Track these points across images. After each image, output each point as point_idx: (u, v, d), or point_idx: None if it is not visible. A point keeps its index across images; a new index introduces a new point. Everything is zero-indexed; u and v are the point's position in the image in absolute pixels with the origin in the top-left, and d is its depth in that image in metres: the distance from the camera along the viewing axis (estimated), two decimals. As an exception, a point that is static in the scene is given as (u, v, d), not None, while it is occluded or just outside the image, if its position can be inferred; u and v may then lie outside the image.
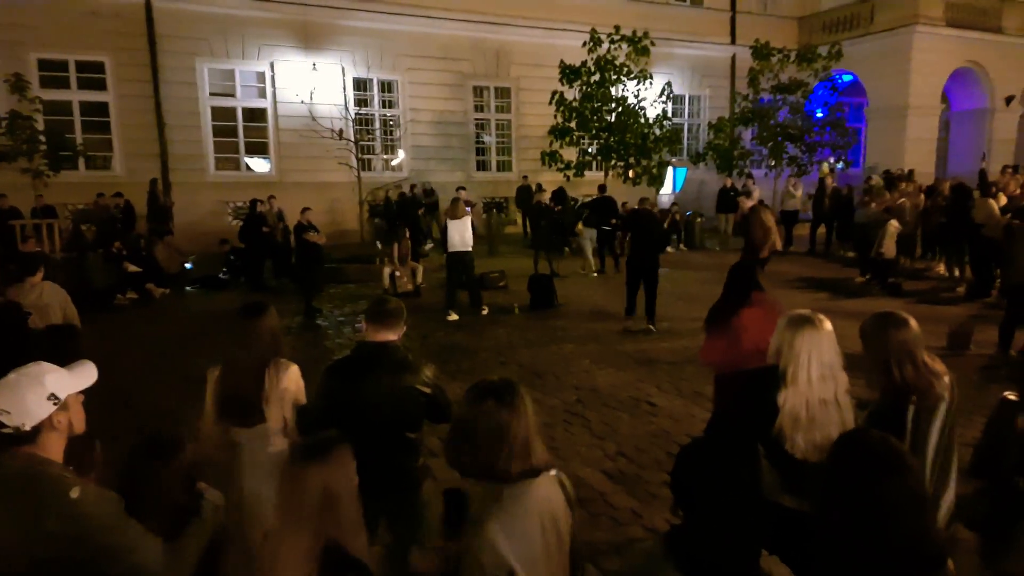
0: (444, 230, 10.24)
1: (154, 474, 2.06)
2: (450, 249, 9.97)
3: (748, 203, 9.71)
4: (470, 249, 10.04)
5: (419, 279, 11.83)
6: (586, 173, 17.25)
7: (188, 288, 12.46)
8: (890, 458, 1.66)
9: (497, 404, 1.91)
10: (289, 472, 1.78)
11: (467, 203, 13.80)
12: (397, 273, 11.74)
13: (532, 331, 9.17)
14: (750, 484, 1.61)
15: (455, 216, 9.97)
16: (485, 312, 10.09)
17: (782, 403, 2.41)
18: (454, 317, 9.81)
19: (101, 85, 15.66)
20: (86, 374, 2.03)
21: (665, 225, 15.09)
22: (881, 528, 1.59)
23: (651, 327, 8.95)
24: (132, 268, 11.68)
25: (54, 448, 1.93)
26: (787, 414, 2.40)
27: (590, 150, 17.23)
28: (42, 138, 13.62)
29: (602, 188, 15.06)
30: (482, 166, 20.29)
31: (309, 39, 17.15)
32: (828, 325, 2.47)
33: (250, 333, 3.01)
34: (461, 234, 9.93)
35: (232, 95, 17.03)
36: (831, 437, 2.33)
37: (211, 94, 16.72)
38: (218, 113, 16.87)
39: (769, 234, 9.15)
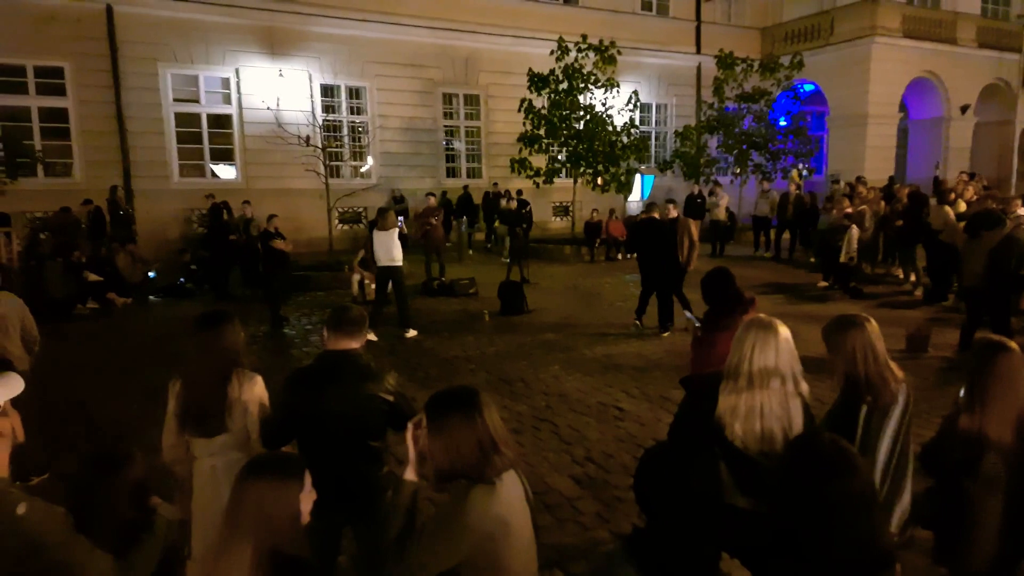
0: (369, 242, 9.39)
1: (103, 489, 2.02)
2: (378, 264, 9.30)
3: (674, 211, 9.86)
4: (399, 264, 9.30)
5: (388, 287, 11.73)
6: (555, 180, 17.39)
7: (151, 297, 12.22)
8: (838, 461, 1.69)
9: (463, 417, 1.95)
10: (234, 485, 1.81)
11: (433, 210, 13.84)
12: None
13: (502, 338, 9.17)
14: (708, 487, 1.63)
15: (383, 228, 9.24)
16: (411, 335, 9.15)
17: (721, 391, 2.48)
18: (372, 337, 8.45)
19: (60, 91, 15.32)
20: (13, 383, 1.99)
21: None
22: (829, 530, 1.63)
23: (661, 332, 9.10)
24: (93, 277, 11.42)
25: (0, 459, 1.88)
26: (724, 402, 2.48)
27: (559, 157, 17.35)
28: (-1, 144, 13.28)
29: (519, 192, 16.69)
30: (452, 173, 20.29)
31: (275, 45, 17.01)
32: (784, 331, 2.51)
33: (211, 343, 2.96)
34: (387, 248, 9.17)
35: (196, 101, 16.78)
36: (773, 431, 2.39)
37: (175, 100, 16.45)
38: (182, 119, 16.61)
39: (694, 246, 9.45)
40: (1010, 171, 23.43)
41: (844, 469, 1.67)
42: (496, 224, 17.93)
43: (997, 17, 24.75)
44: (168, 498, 2.34)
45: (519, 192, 16.63)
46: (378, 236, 9.25)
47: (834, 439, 1.78)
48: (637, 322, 9.35)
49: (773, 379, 2.44)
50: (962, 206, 11.82)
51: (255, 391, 3.02)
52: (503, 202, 17.46)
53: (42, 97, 15.25)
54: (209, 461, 2.97)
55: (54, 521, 1.86)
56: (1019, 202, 11.02)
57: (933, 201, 11.87)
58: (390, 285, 9.42)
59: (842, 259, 11.73)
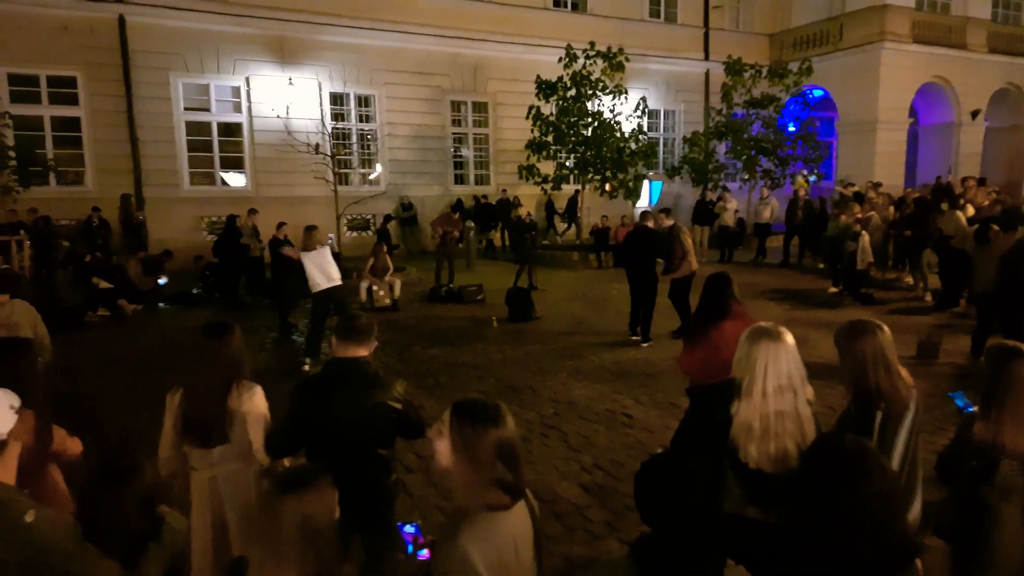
0: (299, 265, 8.47)
1: (111, 499, 2.02)
2: (313, 289, 8.21)
3: (668, 220, 9.81)
4: (338, 283, 8.36)
5: (396, 293, 11.78)
6: (563, 186, 17.41)
7: (161, 305, 12.28)
8: (862, 460, 1.69)
9: (497, 429, 1.88)
10: (266, 504, 1.76)
11: (453, 220, 13.94)
12: (374, 287, 11.68)
13: (510, 344, 9.15)
14: (707, 497, 1.63)
15: (309, 248, 8.30)
16: (306, 368, 7.99)
17: (735, 413, 2.43)
18: (307, 367, 8.00)
19: (73, 100, 15.47)
20: (11, 394, 2.00)
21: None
22: (853, 528, 1.63)
23: (642, 342, 9.03)
24: (103, 284, 11.48)
25: (10, 464, 1.89)
26: (739, 424, 2.43)
27: (567, 164, 17.37)
28: (12, 153, 13.39)
29: (484, 197, 18.19)
30: (460, 180, 20.34)
31: (285, 54, 17.13)
32: (789, 338, 2.48)
33: (213, 353, 2.97)
34: (321, 268, 8.19)
35: (207, 110, 16.92)
36: (787, 448, 2.35)
37: (185, 109, 16.60)
38: (192, 128, 16.74)
39: (686, 254, 9.49)
40: (1021, 176, 23.28)
41: (868, 468, 1.67)
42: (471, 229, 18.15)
43: (1008, 22, 24.59)
44: (175, 507, 2.33)
45: (516, 201, 16.87)
46: (309, 257, 8.22)
47: (856, 439, 1.79)
48: (633, 336, 9.21)
49: (786, 394, 2.41)
50: (970, 211, 11.74)
51: (255, 402, 3.01)
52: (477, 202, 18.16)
53: (55, 106, 15.41)
54: (208, 472, 2.97)
55: (62, 529, 1.86)
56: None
57: (945, 206, 11.79)
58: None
59: (859, 267, 11.63)
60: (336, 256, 8.87)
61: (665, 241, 9.41)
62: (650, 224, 9.29)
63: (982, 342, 7.53)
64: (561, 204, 19.93)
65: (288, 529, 1.68)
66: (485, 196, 18.75)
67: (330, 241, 8.69)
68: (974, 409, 2.68)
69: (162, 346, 9.13)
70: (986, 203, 12.72)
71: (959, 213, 11.02)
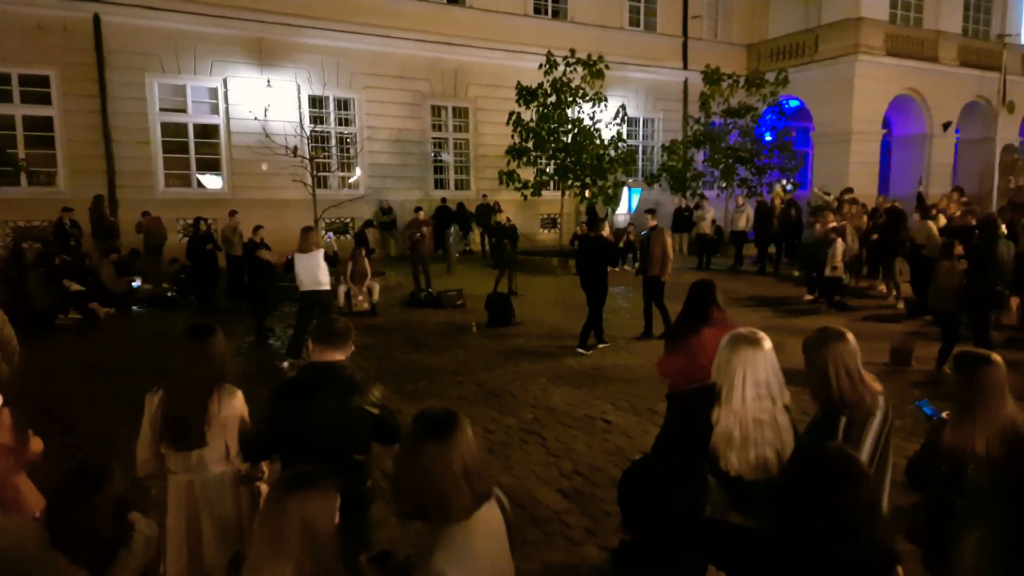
0: (291, 264, 8.69)
1: (82, 504, 1.97)
2: (300, 288, 8.52)
3: (652, 220, 9.96)
4: (325, 287, 8.58)
5: (375, 298, 11.71)
6: (543, 192, 17.46)
7: (135, 307, 12.08)
8: (845, 469, 1.70)
9: (436, 443, 1.82)
10: (270, 501, 1.78)
11: (421, 222, 13.85)
12: (353, 292, 11.61)
13: (489, 350, 9.14)
14: (690, 502, 1.63)
15: (303, 250, 8.45)
16: (286, 366, 8.22)
17: (715, 421, 2.44)
18: (286, 364, 8.24)
19: (46, 99, 15.22)
20: None
21: (620, 244, 15.36)
22: (836, 536, 1.64)
23: (578, 347, 8.96)
24: (75, 287, 11.27)
25: None
26: (720, 433, 2.43)
27: (547, 170, 17.44)
28: (-19, 152, 13.15)
29: (443, 200, 18.81)
30: (440, 184, 20.32)
31: (264, 56, 17.00)
32: (768, 344, 2.50)
33: (196, 356, 2.93)
34: (310, 270, 8.40)
35: (183, 111, 16.73)
36: (767, 457, 2.37)
37: (161, 110, 16.40)
38: (168, 129, 16.55)
39: (666, 256, 9.65)
40: (991, 188, 23.80)
41: (851, 478, 1.68)
42: (451, 233, 18.07)
43: (978, 36, 25.20)
44: (146, 513, 2.29)
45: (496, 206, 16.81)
46: (299, 259, 8.42)
47: (840, 449, 1.80)
48: (581, 349, 8.94)
49: (764, 402, 2.43)
50: (942, 220, 11.97)
51: (235, 406, 2.98)
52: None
53: (27, 105, 15.14)
54: (185, 476, 2.92)
55: (29, 536, 1.81)
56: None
57: (916, 216, 12.01)
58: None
59: (827, 272, 11.82)
60: (332, 258, 9.04)
61: (645, 241, 9.52)
62: (604, 233, 9.42)
63: (947, 353, 7.62)
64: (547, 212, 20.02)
65: (288, 527, 1.70)
66: (444, 199, 18.85)
67: (328, 240, 8.79)
68: (943, 415, 2.73)
69: (135, 350, 8.99)
70: (958, 213, 12.96)
71: (931, 223, 11.22)
